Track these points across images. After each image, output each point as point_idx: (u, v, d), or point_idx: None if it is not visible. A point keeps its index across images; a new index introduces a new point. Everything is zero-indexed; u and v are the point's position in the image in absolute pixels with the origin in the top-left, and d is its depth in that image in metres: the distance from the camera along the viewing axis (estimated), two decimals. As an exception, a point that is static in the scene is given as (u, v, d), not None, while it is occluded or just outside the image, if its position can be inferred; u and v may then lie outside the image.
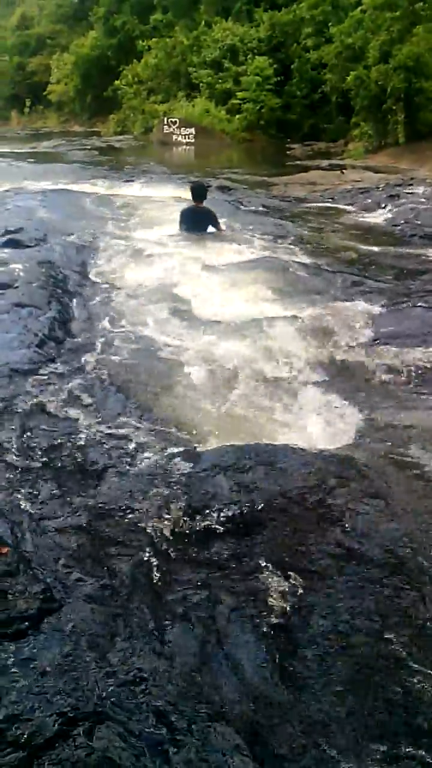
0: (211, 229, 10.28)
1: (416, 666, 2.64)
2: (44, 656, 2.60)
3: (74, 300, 7.12)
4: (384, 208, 13.94)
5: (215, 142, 32.81)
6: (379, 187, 16.32)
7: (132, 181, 16.29)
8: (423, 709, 2.47)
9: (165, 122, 35.07)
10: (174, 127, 34.52)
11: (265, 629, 2.79)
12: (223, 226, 10.54)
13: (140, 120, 39.69)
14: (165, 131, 34.75)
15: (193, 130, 33.94)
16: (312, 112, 33.42)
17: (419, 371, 5.45)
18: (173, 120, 34.86)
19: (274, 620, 2.84)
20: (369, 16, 26.27)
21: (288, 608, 2.90)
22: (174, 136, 34.33)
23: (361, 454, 4.11)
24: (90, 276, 8.13)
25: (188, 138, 34.00)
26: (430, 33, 23.77)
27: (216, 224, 10.36)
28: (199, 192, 10.31)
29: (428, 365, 5.55)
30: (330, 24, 30.45)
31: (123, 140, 36.86)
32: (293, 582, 3.03)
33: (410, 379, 5.33)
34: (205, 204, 10.40)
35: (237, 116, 33.84)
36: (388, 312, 6.99)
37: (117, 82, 42.27)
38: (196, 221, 10.25)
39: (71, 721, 2.33)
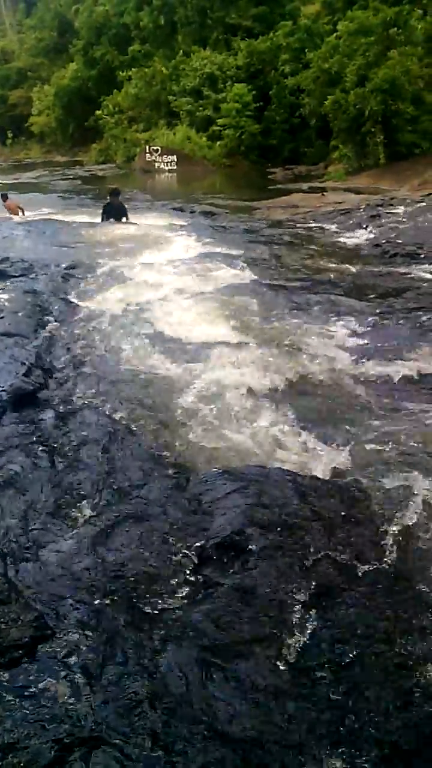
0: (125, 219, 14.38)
1: (418, 685, 2.66)
2: (39, 683, 2.61)
3: (59, 328, 7.15)
4: (365, 228, 14.13)
5: (197, 168, 33.17)
6: (360, 208, 16.55)
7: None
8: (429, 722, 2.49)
9: (147, 150, 35.47)
10: (156, 154, 34.90)
11: (260, 650, 2.80)
12: (132, 219, 14.55)
13: (122, 149, 40.09)
14: (147, 159, 35.13)
15: (174, 157, 34.32)
16: (292, 136, 33.86)
17: (402, 389, 5.51)
18: (155, 148, 35.25)
19: (269, 641, 2.85)
20: (344, 42, 26.82)
21: (283, 629, 2.91)
22: (156, 164, 34.70)
23: (348, 473, 4.15)
24: (74, 304, 8.18)
25: (170, 165, 34.37)
26: (405, 56, 24.29)
27: (127, 216, 14.56)
28: (115, 192, 14.84)
29: (411, 382, 5.62)
30: (306, 50, 31.03)
31: (106, 169, 37.23)
32: (287, 603, 3.05)
33: (393, 396, 5.38)
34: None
35: (218, 142, 34.26)
36: (370, 330, 7.06)
37: (98, 112, 42.73)
38: (115, 214, 14.41)
39: (67, 748, 2.34)
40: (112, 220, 14.43)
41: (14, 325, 7.05)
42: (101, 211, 14.82)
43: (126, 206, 14.96)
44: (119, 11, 46.27)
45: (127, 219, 14.51)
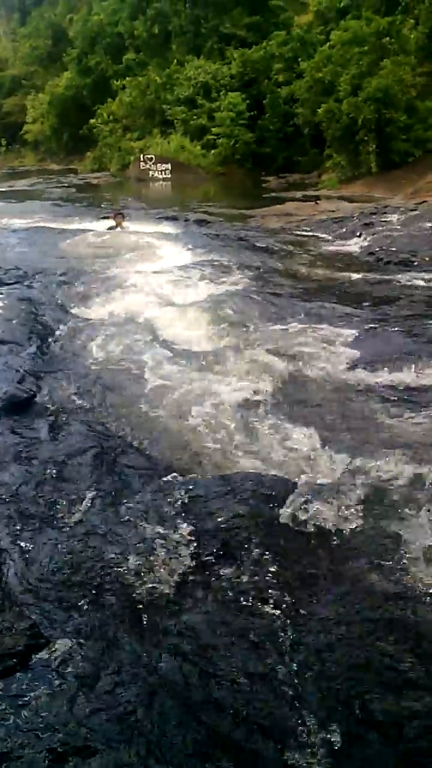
0: None
1: (409, 685, 2.66)
2: (33, 692, 2.60)
3: (53, 335, 7.16)
4: (359, 236, 14.17)
5: (191, 176, 33.26)
6: (353, 216, 16.60)
7: (109, 217, 16.43)
8: (417, 728, 2.49)
9: (141, 159, 35.57)
10: (150, 163, 35.00)
11: (256, 656, 2.80)
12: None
13: (116, 157, 40.21)
14: (141, 167, 35.21)
15: (169, 166, 34.43)
16: (285, 145, 34.01)
17: (395, 395, 5.52)
18: (149, 156, 35.37)
19: (266, 647, 2.85)
20: (338, 51, 27.01)
21: (279, 634, 2.91)
22: (150, 172, 34.79)
23: (343, 479, 4.15)
24: (68, 311, 8.20)
25: (164, 173, 34.45)
26: (398, 66, 24.46)
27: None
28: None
29: (403, 389, 5.62)
30: (300, 60, 31.23)
31: (100, 177, 37.30)
32: (284, 607, 3.05)
33: (388, 404, 5.39)
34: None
35: (212, 151, 34.39)
36: (365, 338, 7.07)
37: (93, 121, 42.88)
38: None
39: (61, 757, 2.33)
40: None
41: (8, 333, 7.05)
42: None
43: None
44: (113, 20, 46.54)
45: None
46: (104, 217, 16.65)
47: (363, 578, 3.25)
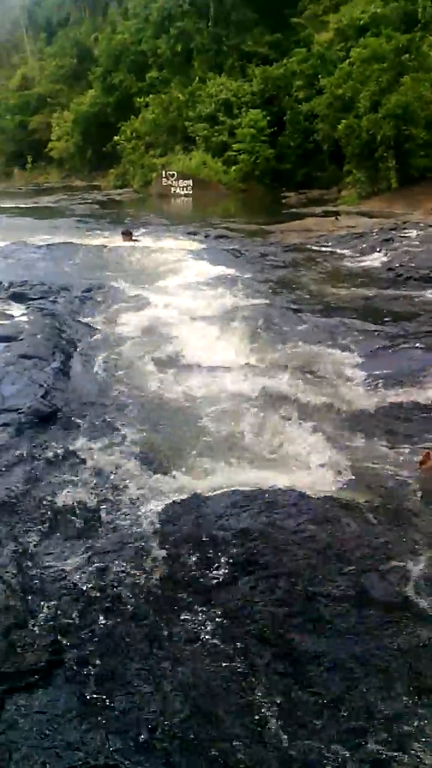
0: None
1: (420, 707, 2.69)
2: (53, 709, 2.64)
3: (77, 350, 7.27)
4: (379, 251, 14.20)
5: (212, 192, 33.47)
6: (373, 232, 16.63)
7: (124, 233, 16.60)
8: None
9: (163, 175, 35.93)
10: (172, 179, 35.33)
11: (271, 673, 2.83)
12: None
13: (139, 173, 40.62)
14: (163, 184, 35.56)
15: (190, 182, 34.71)
16: (305, 161, 34.13)
17: (415, 412, 5.54)
18: (171, 173, 35.71)
19: (280, 664, 2.88)
20: (357, 69, 27.14)
21: (294, 651, 2.94)
22: (172, 188, 35.09)
23: (359, 496, 4.18)
24: (91, 326, 8.31)
25: (186, 189, 34.74)
26: (418, 82, 24.52)
27: None
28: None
29: (424, 406, 5.64)
30: (320, 76, 31.41)
31: (123, 193, 37.69)
32: (298, 625, 3.08)
33: (406, 420, 5.41)
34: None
35: (233, 167, 34.59)
36: (384, 354, 7.11)
37: (116, 138, 43.37)
38: None
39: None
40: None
41: (33, 348, 7.18)
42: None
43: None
44: (137, 39, 47.10)
45: None
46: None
47: (378, 601, 3.28)
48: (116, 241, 15.73)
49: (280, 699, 2.71)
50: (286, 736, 2.54)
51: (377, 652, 2.95)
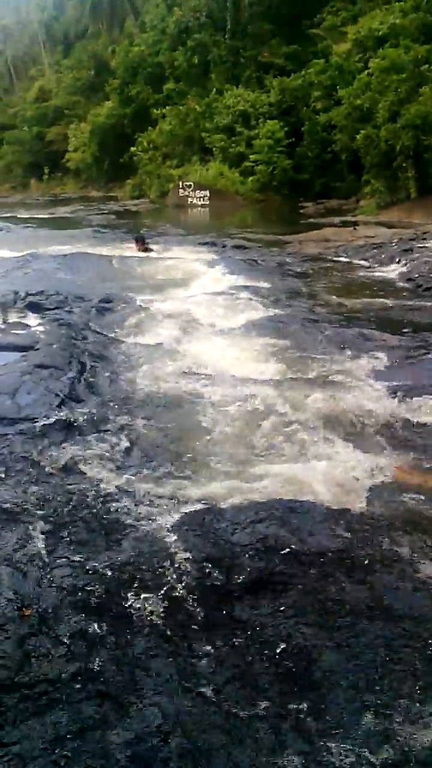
0: None
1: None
2: (70, 723, 2.57)
3: (93, 360, 7.21)
4: (398, 262, 14.10)
5: (229, 203, 33.56)
6: (392, 242, 16.53)
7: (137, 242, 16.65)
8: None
9: (180, 186, 36.11)
10: (189, 190, 35.49)
11: (288, 689, 2.74)
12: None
13: (156, 184, 40.88)
14: (180, 194, 35.72)
15: (207, 193, 34.83)
16: (323, 171, 34.17)
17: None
18: (188, 183, 35.88)
19: (297, 680, 2.79)
20: (376, 79, 27.14)
21: (312, 668, 2.84)
22: (189, 199, 35.25)
23: (378, 510, 4.09)
24: (108, 336, 8.26)
25: (203, 200, 34.86)
26: (436, 93, 24.48)
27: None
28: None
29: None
30: (338, 87, 31.47)
31: (139, 204, 37.90)
32: (316, 641, 2.98)
33: (427, 432, 5.31)
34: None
35: (250, 178, 34.70)
36: (403, 365, 7.00)
37: (133, 149, 43.73)
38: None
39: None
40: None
41: (49, 357, 7.14)
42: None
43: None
44: (154, 51, 47.54)
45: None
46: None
47: (397, 616, 3.18)
48: (131, 250, 15.77)
49: (299, 717, 2.62)
50: (302, 758, 2.45)
51: (403, 670, 2.84)
